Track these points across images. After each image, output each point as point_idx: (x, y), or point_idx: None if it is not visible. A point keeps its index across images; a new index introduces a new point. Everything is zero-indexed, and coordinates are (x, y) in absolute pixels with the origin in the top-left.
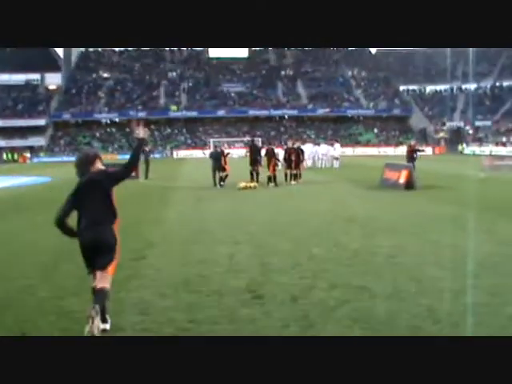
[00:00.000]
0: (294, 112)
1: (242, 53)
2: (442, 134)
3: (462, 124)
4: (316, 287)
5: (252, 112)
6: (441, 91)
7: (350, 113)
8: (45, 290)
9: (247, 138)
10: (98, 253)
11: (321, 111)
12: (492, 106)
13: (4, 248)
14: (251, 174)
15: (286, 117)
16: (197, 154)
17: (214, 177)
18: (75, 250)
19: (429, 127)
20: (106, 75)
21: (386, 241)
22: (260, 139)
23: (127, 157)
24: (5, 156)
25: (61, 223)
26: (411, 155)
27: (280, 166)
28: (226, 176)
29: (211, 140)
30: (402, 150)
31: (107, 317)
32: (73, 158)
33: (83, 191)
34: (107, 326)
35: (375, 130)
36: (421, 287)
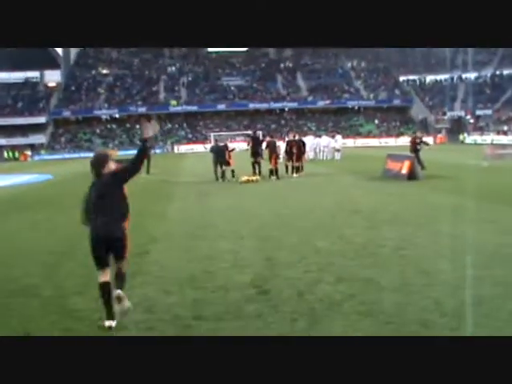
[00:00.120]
0: (294, 104)
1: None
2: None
3: (462, 113)
4: (322, 281)
5: (252, 105)
6: (441, 81)
7: (351, 104)
8: (48, 290)
9: (249, 132)
10: (110, 249)
11: (321, 103)
12: (492, 95)
13: (6, 247)
14: (253, 167)
15: (287, 109)
16: (198, 148)
17: (216, 171)
18: (77, 248)
19: (429, 117)
20: (105, 71)
21: (391, 233)
22: (261, 132)
23: (127, 152)
24: (6, 154)
25: (87, 223)
26: (415, 147)
27: (281, 158)
28: (233, 171)
29: (212, 134)
30: (404, 141)
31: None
32: (74, 155)
33: (95, 192)
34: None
35: (376, 121)
36: (428, 279)
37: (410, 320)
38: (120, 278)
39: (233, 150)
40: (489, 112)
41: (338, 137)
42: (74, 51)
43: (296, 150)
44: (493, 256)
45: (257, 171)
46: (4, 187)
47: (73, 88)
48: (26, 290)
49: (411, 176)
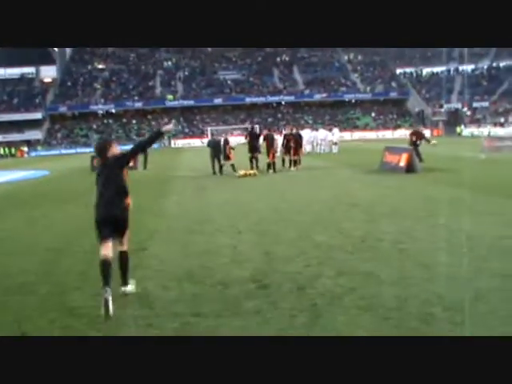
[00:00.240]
0: (291, 98)
1: None
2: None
3: (459, 106)
4: (322, 275)
5: (249, 99)
6: (437, 73)
7: (347, 97)
8: (45, 287)
9: (246, 126)
10: (113, 225)
11: (318, 96)
12: (489, 87)
13: (2, 244)
14: (251, 162)
15: (283, 103)
16: (195, 142)
17: (213, 165)
18: (74, 245)
19: (426, 110)
20: (101, 66)
21: (390, 226)
22: (258, 126)
23: (124, 147)
24: (2, 151)
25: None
26: (415, 142)
27: (279, 152)
28: (233, 165)
29: (209, 128)
30: (400, 134)
31: (130, 285)
32: (70, 151)
33: (100, 174)
34: (128, 289)
35: (373, 114)
36: (429, 273)
37: (411, 314)
38: (124, 261)
39: (233, 148)
40: (486, 104)
41: (335, 130)
42: None
43: (293, 144)
44: (492, 248)
45: (254, 165)
46: (0, 183)
47: (69, 83)
48: (22, 287)
49: (409, 169)
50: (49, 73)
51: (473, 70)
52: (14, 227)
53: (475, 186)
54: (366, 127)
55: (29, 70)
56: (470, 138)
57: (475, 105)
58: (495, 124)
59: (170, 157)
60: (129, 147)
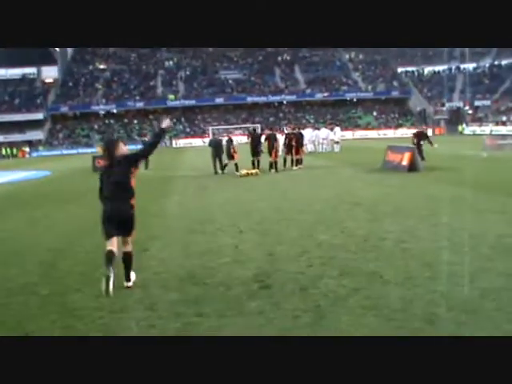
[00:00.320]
0: (293, 97)
1: None
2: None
3: (461, 104)
4: (325, 275)
5: (250, 98)
6: (439, 72)
7: (349, 96)
8: (46, 288)
9: (248, 125)
10: (119, 222)
11: (319, 95)
12: (491, 86)
13: (3, 245)
14: (253, 163)
15: (285, 102)
16: (196, 142)
17: (215, 165)
18: (76, 245)
19: (428, 108)
20: (102, 67)
21: (393, 225)
22: (259, 126)
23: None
24: (3, 151)
25: (100, 197)
26: (418, 142)
27: (280, 151)
28: (236, 165)
29: (210, 128)
30: (402, 133)
31: (132, 276)
32: (72, 151)
33: (109, 173)
34: (130, 283)
35: (374, 113)
36: (433, 272)
37: (416, 315)
38: (128, 260)
39: (235, 152)
40: (487, 103)
41: (337, 129)
42: None
43: (295, 143)
44: (495, 247)
45: (256, 165)
46: (2, 184)
47: (70, 84)
48: (24, 287)
49: (412, 168)
50: (50, 73)
51: (474, 69)
52: (15, 227)
53: (477, 185)
54: (367, 126)
55: (30, 70)
56: (471, 137)
57: (477, 103)
58: (497, 122)
59: (172, 156)
60: (131, 147)
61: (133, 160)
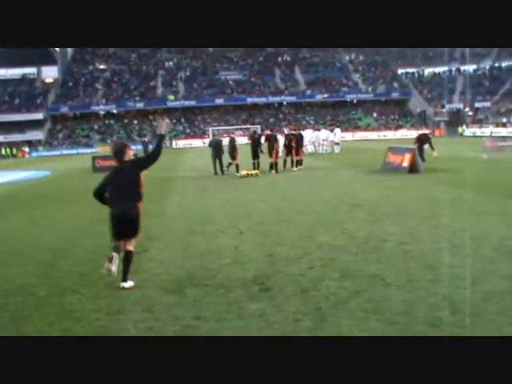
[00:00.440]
0: (293, 98)
1: None
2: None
3: (461, 106)
4: (326, 277)
5: (250, 99)
6: (439, 73)
7: (349, 97)
8: (44, 288)
9: (248, 126)
10: (126, 224)
11: (319, 97)
12: (491, 87)
13: (3, 245)
14: (253, 165)
15: (285, 103)
16: (196, 143)
17: (215, 166)
18: (75, 245)
19: (428, 110)
20: (102, 67)
21: (394, 227)
22: (259, 127)
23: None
24: (3, 151)
25: (95, 194)
26: (420, 145)
27: (281, 152)
28: (237, 165)
29: (210, 129)
30: (402, 134)
31: (129, 277)
32: (72, 151)
33: (115, 176)
34: (126, 285)
35: (374, 114)
36: (435, 275)
37: (418, 318)
38: (128, 258)
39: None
40: (487, 104)
41: (337, 130)
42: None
43: (295, 144)
44: (497, 249)
45: (256, 166)
46: (2, 184)
47: (70, 84)
48: (22, 288)
49: (412, 169)
50: (50, 73)
51: (475, 70)
52: (15, 228)
53: (477, 186)
54: (367, 127)
55: (30, 70)
56: (471, 138)
57: (477, 105)
58: (497, 124)
59: (172, 157)
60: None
61: (141, 166)
